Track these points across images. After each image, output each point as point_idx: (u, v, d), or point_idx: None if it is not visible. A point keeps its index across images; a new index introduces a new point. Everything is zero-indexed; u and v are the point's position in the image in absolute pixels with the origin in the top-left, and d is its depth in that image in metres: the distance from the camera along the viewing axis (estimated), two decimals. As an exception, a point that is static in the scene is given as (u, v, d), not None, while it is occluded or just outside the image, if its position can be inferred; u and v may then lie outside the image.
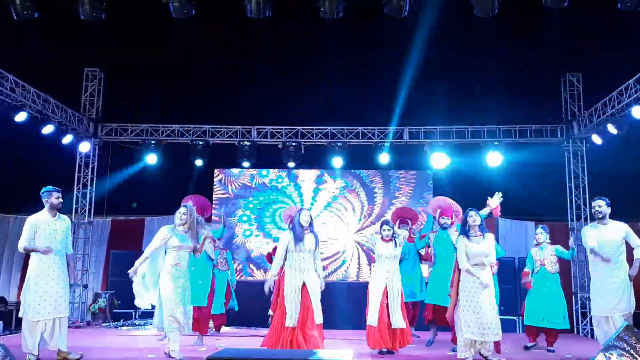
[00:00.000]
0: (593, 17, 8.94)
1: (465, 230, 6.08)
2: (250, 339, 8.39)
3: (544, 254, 7.68)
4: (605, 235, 6.06)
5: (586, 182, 10.93)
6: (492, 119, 11.17)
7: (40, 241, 5.95)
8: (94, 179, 11.32)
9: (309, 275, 6.18)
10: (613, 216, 6.22)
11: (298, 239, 6.17)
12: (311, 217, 6.35)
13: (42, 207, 6.13)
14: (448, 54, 10.45)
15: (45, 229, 5.99)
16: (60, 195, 6.15)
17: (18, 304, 10.53)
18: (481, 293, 5.86)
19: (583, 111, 10.89)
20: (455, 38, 9.92)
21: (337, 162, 11.13)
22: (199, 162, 11.23)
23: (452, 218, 7.66)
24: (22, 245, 6.00)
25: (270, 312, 6.52)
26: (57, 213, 6.11)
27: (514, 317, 10.21)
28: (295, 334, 6.01)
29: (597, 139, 10.31)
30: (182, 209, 6.27)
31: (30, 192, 11.55)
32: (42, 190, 6.15)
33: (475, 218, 6.07)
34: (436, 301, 7.57)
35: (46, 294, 5.88)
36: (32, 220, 6.01)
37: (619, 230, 6.09)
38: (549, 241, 7.77)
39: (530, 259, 7.75)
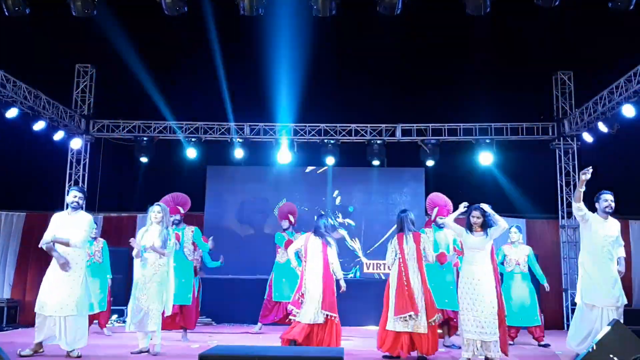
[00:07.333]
0: (584, 16, 8.99)
1: (468, 226, 5.99)
2: (241, 336, 8.43)
3: (519, 253, 7.76)
4: (608, 229, 6.11)
5: (577, 179, 10.98)
6: (484, 116, 11.21)
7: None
8: (86, 175, 11.27)
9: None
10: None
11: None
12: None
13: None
14: (440, 52, 10.48)
15: (59, 224, 6.08)
16: (76, 195, 6.19)
17: (9, 301, 10.52)
18: (480, 290, 5.71)
19: (574, 109, 10.95)
20: (447, 36, 9.93)
21: (330, 159, 11.15)
22: (192, 153, 11.25)
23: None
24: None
25: (291, 306, 6.58)
26: (73, 210, 6.16)
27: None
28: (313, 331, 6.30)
29: (588, 137, 10.38)
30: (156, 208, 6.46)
31: (22, 188, 11.60)
32: None
33: (476, 219, 5.93)
34: None
35: (44, 289, 5.97)
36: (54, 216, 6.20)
37: (616, 225, 6.20)
38: (521, 241, 7.85)
39: (502, 254, 7.78)
